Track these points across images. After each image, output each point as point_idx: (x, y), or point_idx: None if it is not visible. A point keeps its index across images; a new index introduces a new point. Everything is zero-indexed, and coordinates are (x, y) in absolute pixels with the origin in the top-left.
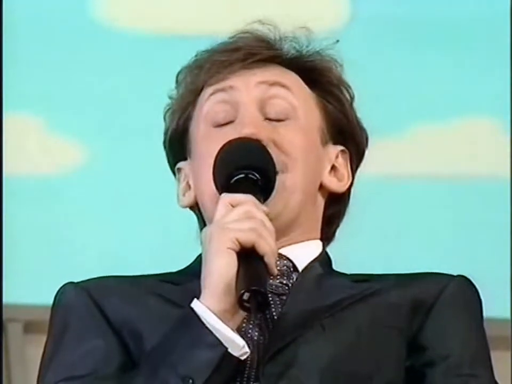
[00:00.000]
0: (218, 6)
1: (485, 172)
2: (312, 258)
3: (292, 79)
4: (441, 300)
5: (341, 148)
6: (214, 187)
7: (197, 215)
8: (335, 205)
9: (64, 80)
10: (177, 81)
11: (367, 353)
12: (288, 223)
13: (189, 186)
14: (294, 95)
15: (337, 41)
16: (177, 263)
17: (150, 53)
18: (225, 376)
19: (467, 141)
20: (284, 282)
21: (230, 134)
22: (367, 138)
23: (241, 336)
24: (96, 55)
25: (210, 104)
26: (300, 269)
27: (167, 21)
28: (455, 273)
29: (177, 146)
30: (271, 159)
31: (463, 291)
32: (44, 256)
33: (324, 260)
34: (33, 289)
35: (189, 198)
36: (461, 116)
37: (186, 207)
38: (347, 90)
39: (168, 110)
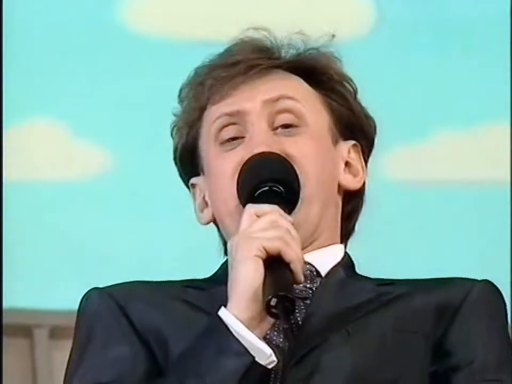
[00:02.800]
0: (239, 12)
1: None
2: (334, 263)
3: (295, 84)
4: (466, 305)
5: (352, 142)
6: (231, 204)
7: (218, 229)
8: (353, 200)
9: (88, 85)
10: (179, 97)
11: (391, 359)
12: (309, 233)
13: (206, 203)
14: (300, 103)
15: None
16: (201, 269)
17: (175, 58)
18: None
19: (489, 147)
20: (308, 286)
21: (242, 152)
22: (375, 127)
23: (266, 344)
24: (121, 60)
25: (217, 127)
26: (323, 273)
27: (194, 27)
28: (487, 278)
29: (189, 163)
30: (294, 171)
31: (488, 296)
32: (71, 262)
33: (346, 263)
34: (59, 295)
35: (207, 215)
36: (484, 121)
37: (206, 224)
38: (349, 84)
39: (174, 127)
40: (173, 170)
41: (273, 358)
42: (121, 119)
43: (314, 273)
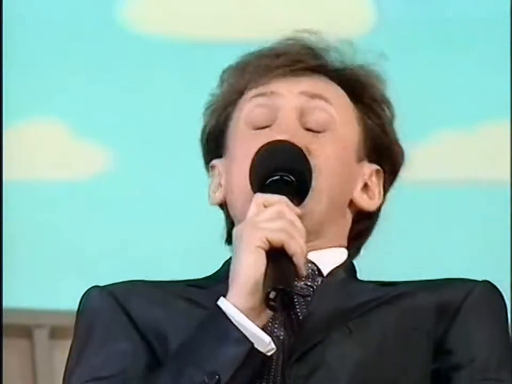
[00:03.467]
0: (240, 11)
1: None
2: (336, 265)
3: (335, 92)
4: (467, 304)
5: (376, 167)
6: (244, 188)
7: (225, 213)
8: (364, 222)
9: (89, 85)
10: (220, 79)
11: (393, 356)
12: (313, 227)
13: (220, 185)
14: (335, 109)
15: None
16: (202, 269)
17: (177, 58)
18: (251, 373)
19: (489, 147)
20: (309, 284)
21: (265, 138)
22: (403, 158)
23: (268, 334)
24: (123, 60)
25: (250, 107)
26: (325, 273)
27: (196, 27)
28: (485, 278)
29: (214, 144)
30: (308, 162)
31: (488, 296)
32: (71, 262)
33: (348, 267)
34: (59, 295)
35: (219, 196)
36: (484, 121)
37: (215, 204)
38: (388, 108)
39: (209, 107)
40: (173, 170)
41: (272, 346)
42: (122, 119)
43: (316, 272)
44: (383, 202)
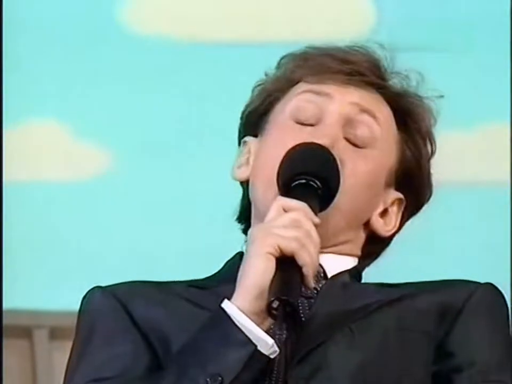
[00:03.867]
0: (242, 13)
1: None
2: (342, 269)
3: (385, 113)
4: (468, 306)
5: (400, 196)
6: (269, 177)
7: (244, 191)
8: (373, 245)
9: (88, 86)
10: (279, 62)
11: (395, 358)
12: (329, 235)
13: (248, 163)
14: (381, 130)
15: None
16: (202, 270)
17: (176, 59)
18: (254, 375)
19: (489, 147)
20: (313, 286)
21: (305, 136)
22: (430, 196)
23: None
24: (122, 61)
25: (299, 100)
26: (329, 276)
27: (195, 27)
28: (484, 280)
29: (253, 123)
30: (337, 171)
31: (490, 298)
32: (71, 262)
33: (354, 272)
34: (59, 295)
35: (243, 174)
36: (484, 121)
37: (238, 180)
38: (431, 144)
39: (260, 85)
40: (172, 171)
41: (276, 348)
42: (122, 120)
43: (322, 274)
44: (397, 231)
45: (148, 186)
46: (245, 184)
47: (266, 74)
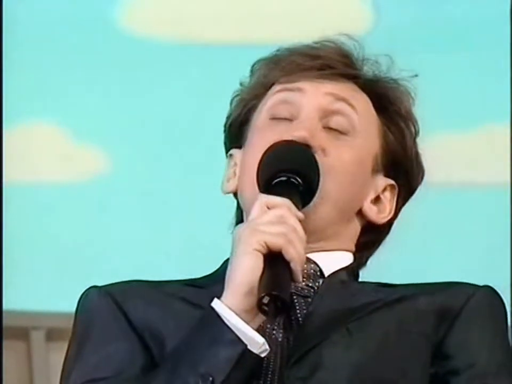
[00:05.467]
0: (239, 13)
1: (506, 179)
2: (339, 267)
3: (362, 101)
4: (467, 309)
5: (391, 182)
6: (254, 180)
7: (237, 201)
8: (371, 234)
9: (87, 88)
10: (252, 69)
11: (393, 359)
12: (315, 229)
13: (235, 174)
14: (358, 117)
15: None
16: (199, 270)
17: (174, 60)
18: (245, 374)
19: (489, 148)
20: (310, 285)
21: (283, 131)
22: (422, 176)
23: (265, 338)
24: (120, 63)
25: (274, 100)
26: (326, 274)
27: (194, 29)
28: (477, 282)
29: (236, 134)
30: (317, 166)
31: (489, 301)
32: (66, 263)
33: (351, 270)
34: (56, 296)
35: (231, 186)
36: (484, 122)
37: (227, 193)
38: (413, 125)
39: (236, 96)
40: (170, 173)
41: (266, 346)
42: (121, 122)
43: (318, 273)
44: (394, 218)
45: (146, 188)
46: (236, 195)
47: (241, 84)
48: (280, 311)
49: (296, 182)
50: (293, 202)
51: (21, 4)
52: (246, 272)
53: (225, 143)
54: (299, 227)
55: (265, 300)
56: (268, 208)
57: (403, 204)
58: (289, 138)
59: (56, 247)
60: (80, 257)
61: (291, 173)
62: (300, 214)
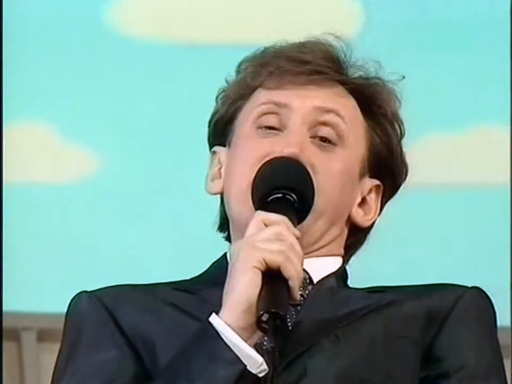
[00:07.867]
0: (231, 14)
1: (500, 180)
2: (328, 273)
3: (349, 107)
4: (456, 311)
5: (377, 182)
6: (241, 189)
7: (221, 201)
8: (357, 234)
9: (80, 89)
10: (238, 68)
11: (381, 364)
12: (309, 244)
13: (220, 175)
14: (346, 125)
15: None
16: (190, 272)
17: (167, 61)
18: None
19: (481, 149)
20: (300, 293)
21: (273, 144)
22: (406, 174)
23: (257, 348)
24: (114, 64)
25: (261, 111)
26: (315, 281)
27: (186, 30)
28: (469, 284)
29: (220, 131)
30: (311, 183)
31: (478, 302)
32: (58, 264)
33: (340, 275)
34: (47, 297)
35: (218, 187)
36: (475, 123)
37: (213, 194)
38: (399, 126)
39: (222, 92)
40: (161, 174)
41: (264, 366)
42: (112, 122)
43: (308, 280)
44: (378, 216)
45: (137, 188)
46: (221, 195)
47: (227, 81)
48: (279, 329)
49: (292, 199)
50: (289, 219)
51: (17, 7)
52: (244, 289)
53: (208, 139)
54: (297, 245)
55: (265, 318)
56: (265, 225)
57: (386, 202)
58: (280, 155)
59: (47, 248)
60: (71, 258)
61: (286, 190)
62: (297, 232)
